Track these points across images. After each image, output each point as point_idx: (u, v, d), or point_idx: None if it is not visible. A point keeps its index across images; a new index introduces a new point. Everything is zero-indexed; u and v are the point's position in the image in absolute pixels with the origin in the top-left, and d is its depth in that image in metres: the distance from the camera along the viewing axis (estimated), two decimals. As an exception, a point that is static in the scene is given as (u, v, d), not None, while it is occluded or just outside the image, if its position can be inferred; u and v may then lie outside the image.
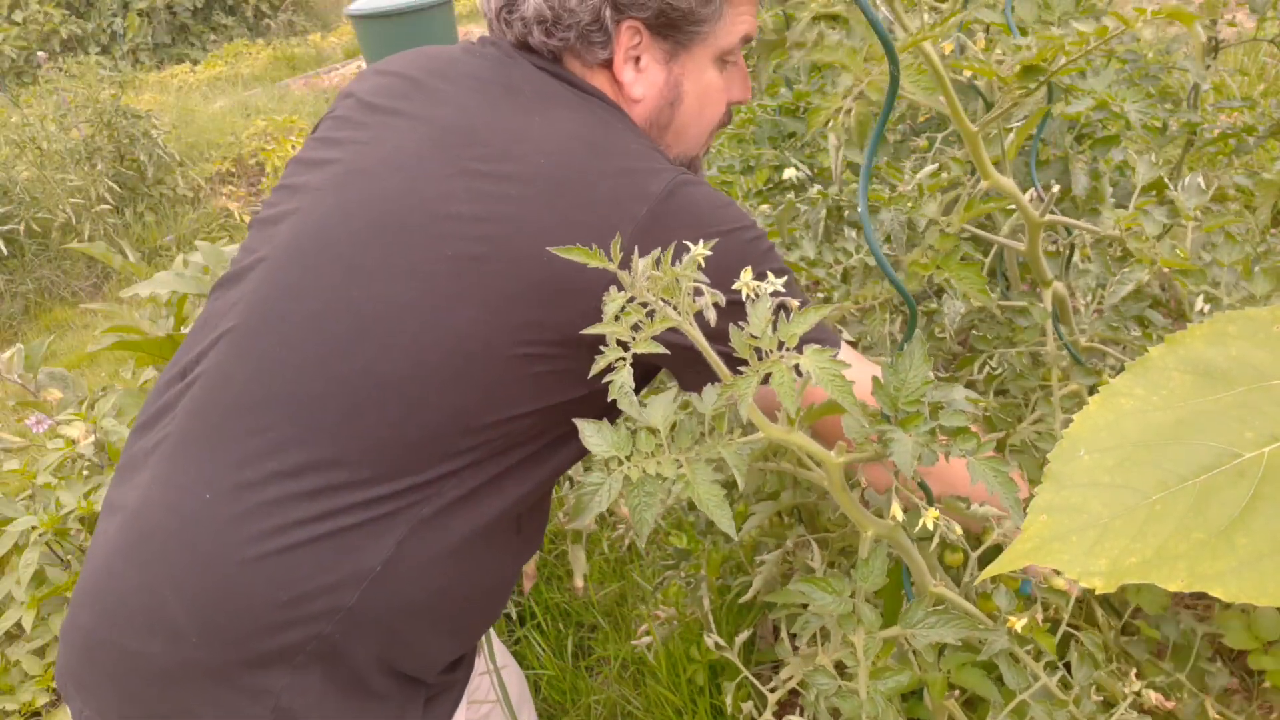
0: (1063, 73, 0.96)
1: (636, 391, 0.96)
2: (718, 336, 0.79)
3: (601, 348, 0.72)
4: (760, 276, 0.87)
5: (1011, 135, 1.19)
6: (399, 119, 1.00)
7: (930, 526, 0.80)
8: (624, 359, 0.70)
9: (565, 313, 0.89)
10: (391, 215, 0.93)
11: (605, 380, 0.71)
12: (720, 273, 0.82)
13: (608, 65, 1.05)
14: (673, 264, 0.72)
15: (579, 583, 1.53)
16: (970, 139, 0.97)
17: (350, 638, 0.90)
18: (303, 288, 0.93)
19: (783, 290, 0.74)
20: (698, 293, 0.71)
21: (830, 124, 0.90)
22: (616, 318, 0.71)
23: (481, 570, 0.99)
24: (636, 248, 0.79)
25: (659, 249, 0.78)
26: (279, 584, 0.88)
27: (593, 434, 0.75)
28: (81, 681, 0.94)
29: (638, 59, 1.05)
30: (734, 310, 0.79)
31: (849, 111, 0.90)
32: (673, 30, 1.04)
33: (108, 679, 0.92)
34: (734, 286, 0.79)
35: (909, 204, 1.18)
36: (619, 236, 0.75)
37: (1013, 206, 1.22)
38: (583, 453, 1.03)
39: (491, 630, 1.38)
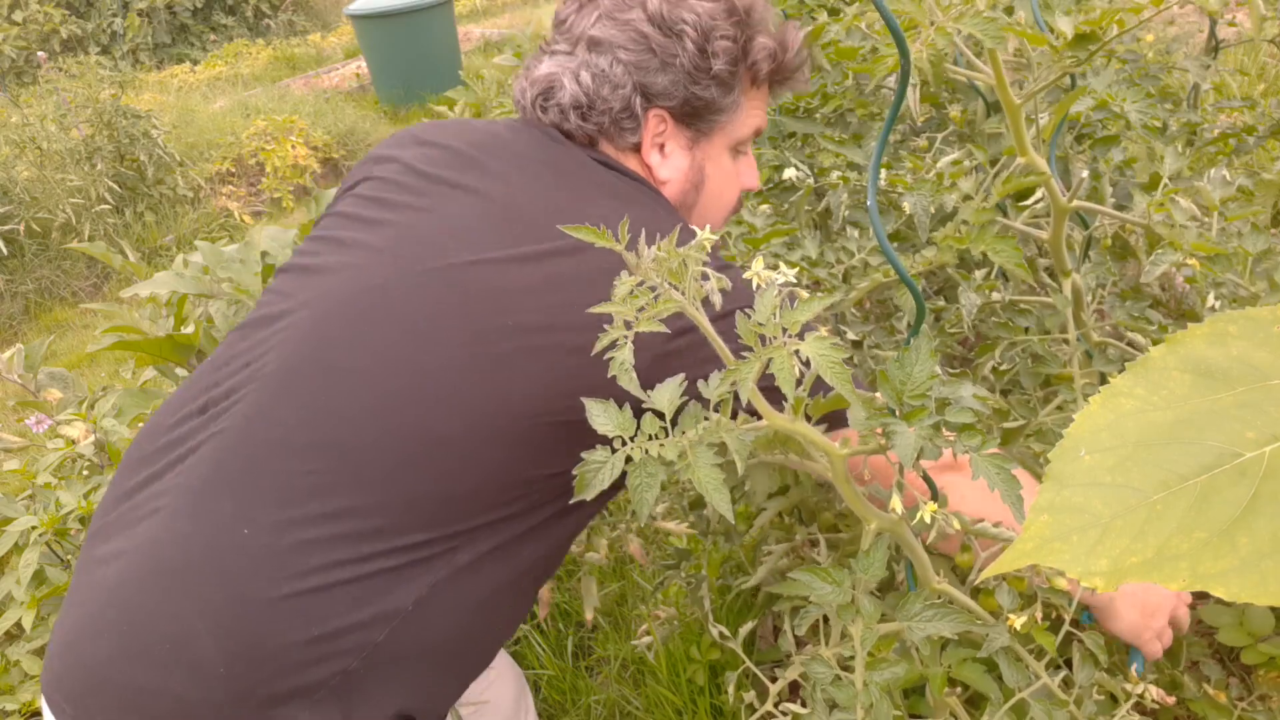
0: (1115, 40, 0.94)
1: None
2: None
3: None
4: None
5: (1046, 115, 1.18)
6: (457, 191, 1.04)
7: (928, 519, 0.80)
8: (625, 338, 0.71)
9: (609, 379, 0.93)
10: (454, 285, 0.96)
11: (609, 357, 0.73)
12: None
13: (636, 149, 1.13)
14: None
15: (589, 615, 1.55)
16: (1012, 112, 0.96)
17: (371, 676, 0.92)
18: (355, 341, 0.96)
19: (793, 280, 0.74)
20: (704, 277, 0.72)
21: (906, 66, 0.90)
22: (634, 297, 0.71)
23: (500, 618, 1.03)
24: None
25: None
26: (313, 619, 0.89)
27: (599, 414, 0.76)
28: (83, 706, 0.92)
29: (662, 145, 1.14)
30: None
31: (920, 53, 0.89)
32: (695, 119, 1.13)
33: (115, 711, 0.90)
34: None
35: (933, 189, 1.17)
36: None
37: (1026, 203, 1.22)
38: (603, 507, 1.09)
39: None
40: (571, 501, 0.77)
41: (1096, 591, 0.96)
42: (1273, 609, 1.36)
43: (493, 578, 0.97)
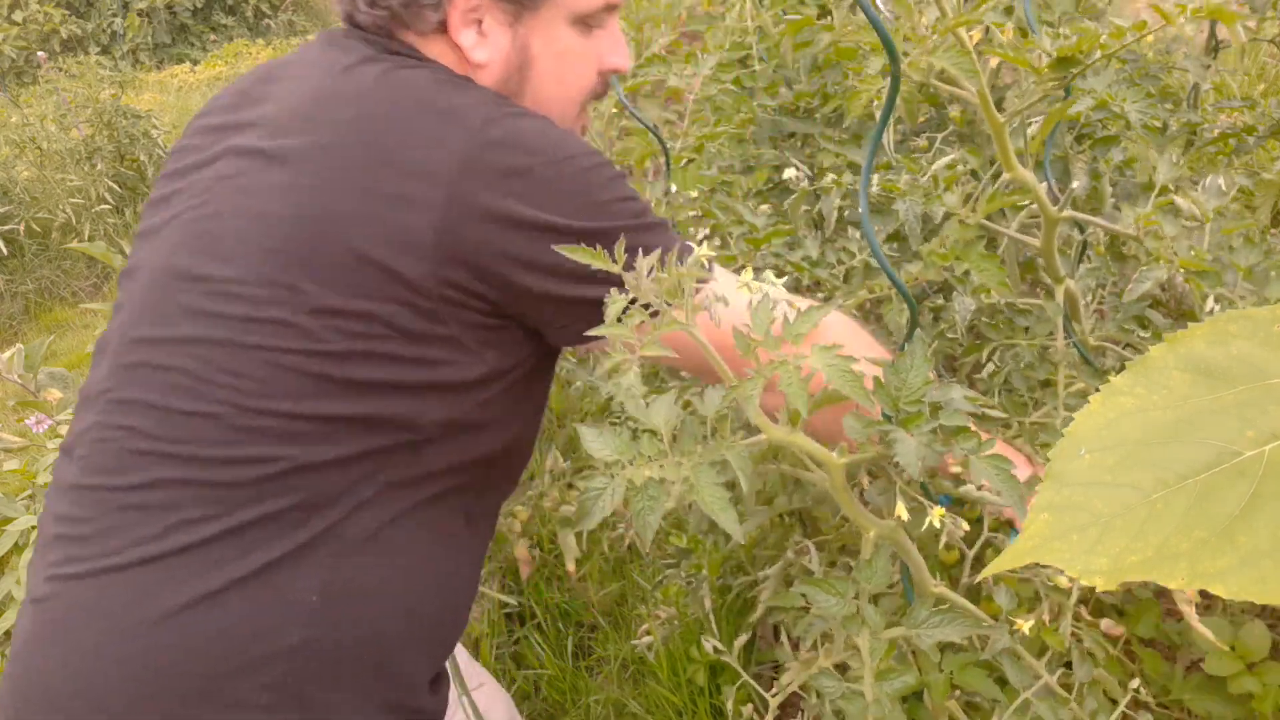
0: (1099, 62, 0.95)
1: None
2: (571, 275, 0.84)
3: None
4: (604, 205, 0.90)
5: (1033, 128, 1.18)
6: (234, 134, 0.95)
7: (937, 525, 0.80)
8: (630, 360, 0.70)
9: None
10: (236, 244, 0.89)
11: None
12: (556, 199, 0.87)
13: (444, 30, 0.97)
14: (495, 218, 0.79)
15: (571, 567, 1.53)
16: (997, 130, 0.96)
17: (313, 679, 0.86)
18: (161, 320, 0.91)
19: (783, 290, 0.73)
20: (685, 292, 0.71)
21: (875, 103, 0.90)
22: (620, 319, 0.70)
23: (433, 574, 0.95)
24: (462, 188, 0.84)
25: (489, 187, 0.83)
26: (214, 640, 0.82)
27: (594, 439, 0.74)
28: None
29: (480, 21, 0.97)
30: (578, 240, 0.78)
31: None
32: None
33: None
34: (585, 223, 0.85)
35: (925, 196, 1.17)
36: (438, 178, 0.83)
37: (1024, 202, 1.22)
38: (499, 436, 0.97)
39: (464, 653, 1.34)
40: (569, 514, 0.75)
41: (1099, 589, 0.95)
42: (1270, 627, 1.35)
43: (403, 515, 0.90)
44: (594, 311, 0.84)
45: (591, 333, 0.71)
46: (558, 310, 0.90)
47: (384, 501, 0.89)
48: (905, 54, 0.88)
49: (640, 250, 0.83)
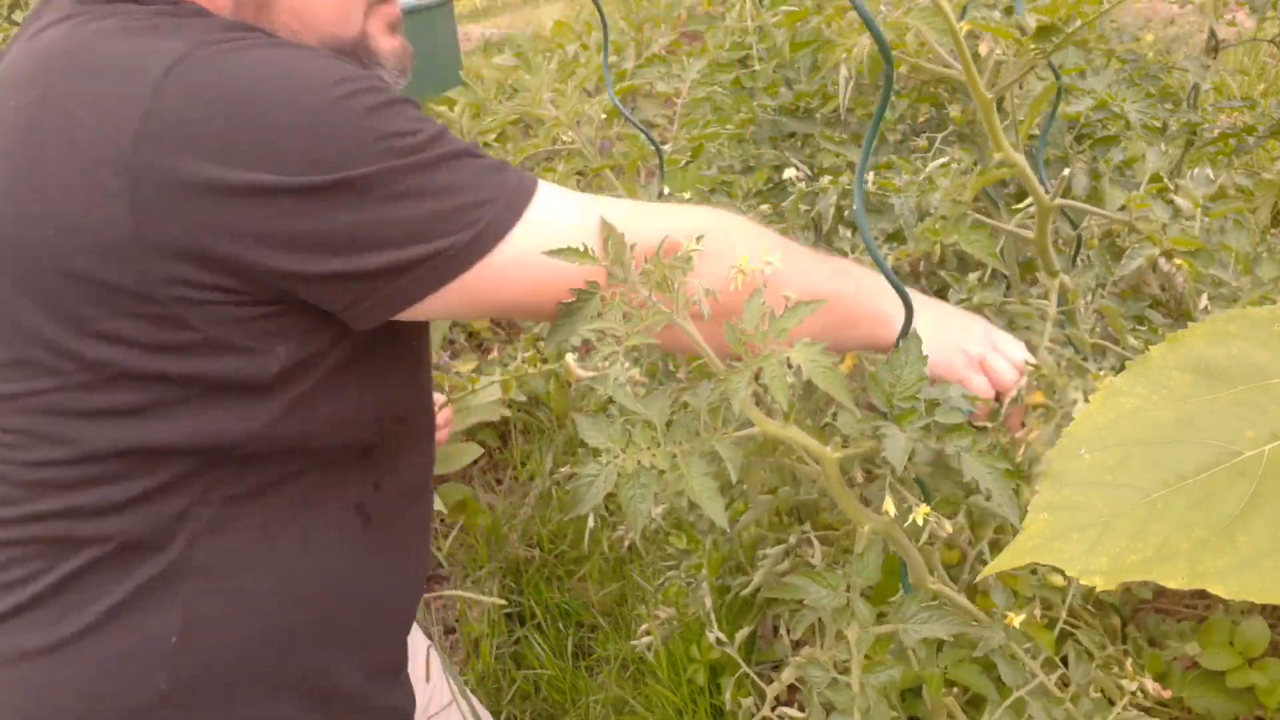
0: (1082, 39, 0.94)
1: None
2: (326, 246, 0.70)
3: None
4: (358, 147, 0.71)
5: (1024, 106, 1.17)
6: None
7: (920, 523, 0.80)
8: (616, 353, 0.71)
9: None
10: None
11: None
12: (281, 151, 0.68)
13: None
14: (198, 191, 0.66)
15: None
16: (985, 106, 0.96)
17: (208, 715, 0.79)
18: None
19: (780, 268, 0.73)
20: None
21: (845, 57, 0.89)
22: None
23: (321, 578, 0.84)
24: (145, 160, 0.67)
25: (179, 151, 0.67)
26: (74, 698, 0.76)
27: (589, 426, 0.75)
28: None
29: None
30: (320, 199, 0.69)
31: (863, 47, 0.88)
32: None
33: None
34: (329, 176, 0.68)
35: (919, 192, 1.18)
36: (116, 155, 0.66)
37: (1020, 205, 1.22)
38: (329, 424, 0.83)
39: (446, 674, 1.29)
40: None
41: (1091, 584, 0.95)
42: (1270, 626, 1.36)
43: (263, 530, 0.80)
44: (382, 284, 0.73)
45: (588, 329, 0.71)
46: (325, 290, 0.73)
47: (232, 521, 0.78)
48: (879, 13, 0.87)
49: (431, 195, 0.72)
